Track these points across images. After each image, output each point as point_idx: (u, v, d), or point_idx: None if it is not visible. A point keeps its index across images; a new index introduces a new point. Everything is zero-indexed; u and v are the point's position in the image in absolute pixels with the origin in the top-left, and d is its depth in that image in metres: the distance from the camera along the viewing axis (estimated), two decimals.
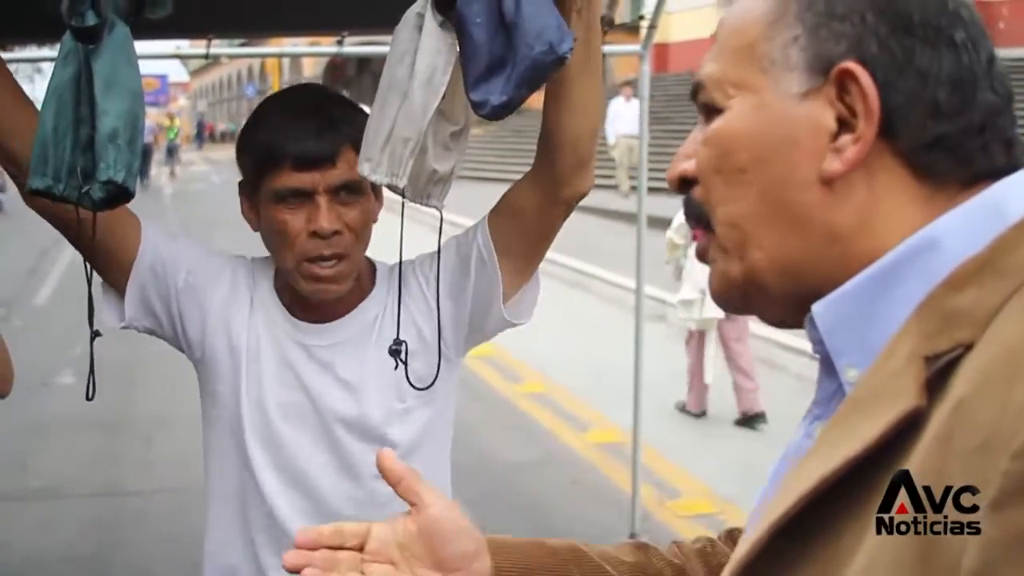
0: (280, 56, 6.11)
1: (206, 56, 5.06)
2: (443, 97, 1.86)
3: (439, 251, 2.16)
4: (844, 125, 0.94)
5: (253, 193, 2.18)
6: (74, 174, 1.84)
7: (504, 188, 2.24)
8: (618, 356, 8.83)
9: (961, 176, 0.93)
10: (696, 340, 8.05)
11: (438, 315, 2.14)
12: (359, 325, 2.24)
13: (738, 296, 1.03)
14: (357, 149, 1.98)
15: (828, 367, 0.97)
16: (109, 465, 7.13)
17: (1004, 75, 0.96)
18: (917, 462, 0.81)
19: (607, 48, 4.19)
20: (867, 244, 0.94)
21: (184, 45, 6.22)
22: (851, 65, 0.93)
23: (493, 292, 2.19)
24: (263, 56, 8.97)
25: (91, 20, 1.77)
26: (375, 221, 2.22)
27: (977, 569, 0.74)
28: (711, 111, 1.03)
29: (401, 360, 2.08)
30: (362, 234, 2.15)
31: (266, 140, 2.13)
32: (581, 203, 2.18)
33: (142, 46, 4.75)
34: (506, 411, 8.61)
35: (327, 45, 5.46)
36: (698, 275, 7.58)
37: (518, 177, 2.17)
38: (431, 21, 1.83)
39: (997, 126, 0.94)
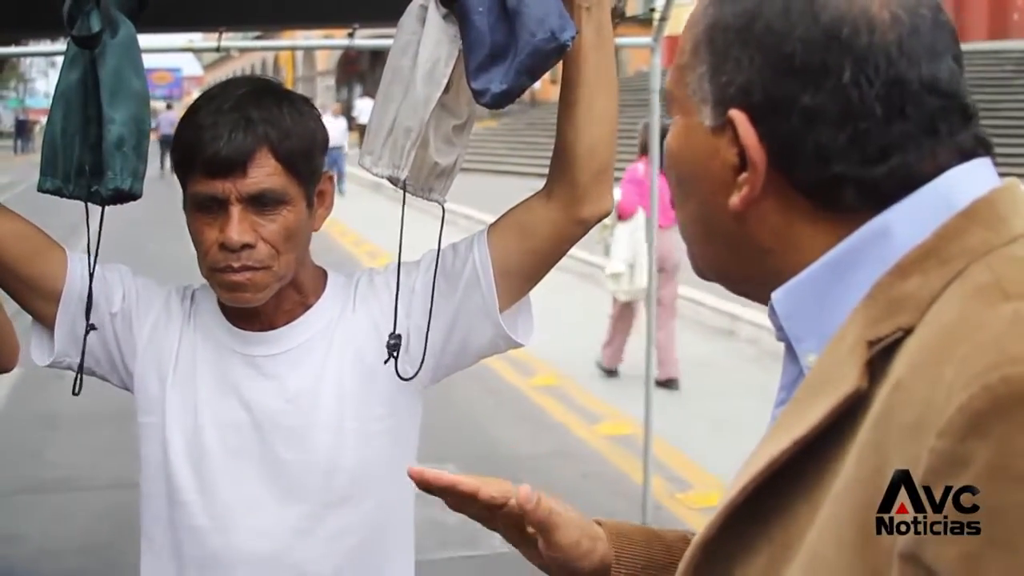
0: (291, 49, 6.11)
1: (217, 49, 5.06)
2: (447, 90, 1.84)
3: (438, 251, 2.01)
4: (744, 162, 0.96)
5: (184, 196, 1.99)
6: (83, 173, 1.85)
7: (517, 181, 2.16)
8: (630, 349, 8.85)
9: (872, 203, 0.93)
10: (620, 309, 8.94)
11: (428, 320, 1.99)
12: (307, 333, 2.05)
13: (706, 279, 1.10)
14: (277, 152, 1.89)
15: (791, 353, 1.00)
16: (123, 456, 7.07)
17: (932, 86, 0.93)
18: (861, 441, 0.84)
19: (619, 40, 4.18)
20: (795, 257, 0.97)
21: (197, 39, 6.21)
22: (734, 114, 0.96)
23: (484, 312, 2.00)
24: (273, 49, 9.01)
25: (95, 26, 1.77)
26: (315, 229, 2.05)
27: (907, 548, 0.77)
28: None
29: (394, 356, 1.97)
30: (284, 246, 1.93)
31: (183, 142, 1.94)
32: None
33: (154, 39, 4.76)
34: (518, 404, 8.60)
35: (340, 38, 5.45)
36: (624, 250, 8.29)
37: (532, 170, 2.07)
38: (434, 13, 1.83)
39: (912, 150, 0.93)
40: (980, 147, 0.95)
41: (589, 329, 10.65)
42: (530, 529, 1.38)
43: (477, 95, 1.79)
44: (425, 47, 1.83)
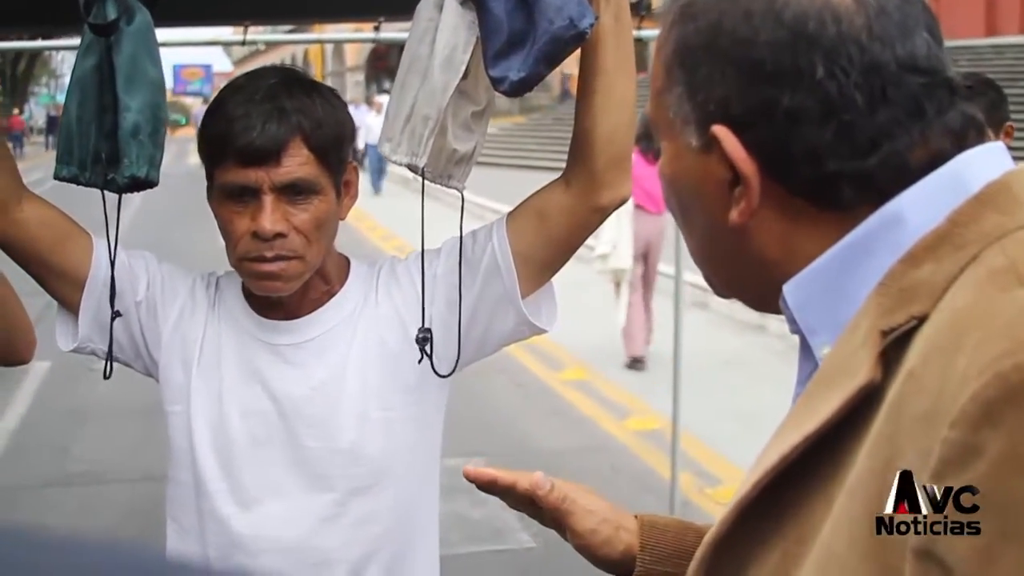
0: (316, 43, 6.11)
1: (243, 43, 5.05)
2: (465, 77, 1.83)
3: (461, 240, 2.01)
4: (738, 177, 0.94)
5: (209, 186, 2.00)
6: (99, 161, 1.85)
7: (546, 177, 2.10)
8: (659, 342, 8.82)
9: (869, 197, 0.91)
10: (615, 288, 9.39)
11: (459, 306, 1.98)
12: (332, 322, 2.05)
13: (724, 297, 1.09)
14: (310, 142, 1.89)
15: (806, 347, 0.98)
16: (150, 451, 7.11)
17: (910, 65, 0.91)
18: (874, 434, 0.82)
19: (644, 33, 4.15)
20: (799, 265, 0.95)
21: (224, 34, 6.22)
22: (717, 130, 0.94)
23: (506, 299, 1.99)
24: (298, 43, 9.00)
25: (111, 13, 1.77)
26: (342, 218, 2.04)
27: (921, 543, 0.76)
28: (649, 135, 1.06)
29: (427, 353, 1.97)
30: (315, 235, 1.94)
31: (214, 131, 1.93)
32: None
33: (180, 33, 4.74)
34: (547, 398, 8.58)
35: (368, 32, 5.43)
36: (609, 231, 8.64)
37: (561, 165, 1.99)
38: None
39: (901, 136, 0.91)
40: (971, 127, 0.92)
41: (619, 323, 10.67)
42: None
43: (495, 83, 1.77)
44: (443, 34, 1.81)
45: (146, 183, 1.88)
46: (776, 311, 1.01)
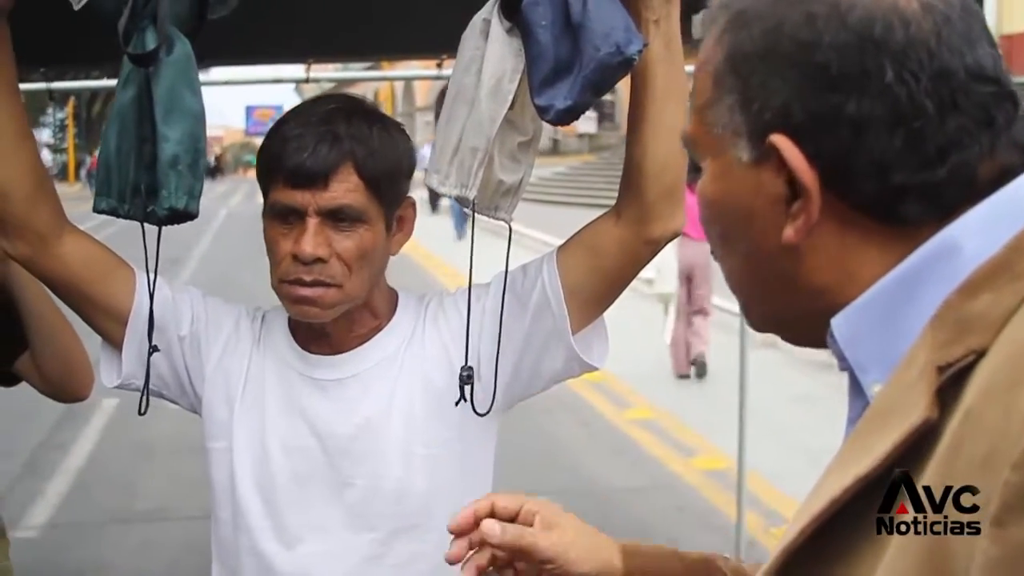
0: (382, 80, 6.11)
1: (306, 80, 5.08)
2: (511, 106, 1.79)
3: (506, 274, 1.95)
4: (795, 190, 0.88)
5: (264, 207, 1.97)
6: (138, 193, 1.83)
7: None
8: (725, 381, 8.73)
9: (935, 213, 0.86)
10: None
11: (498, 344, 1.93)
12: (377, 357, 2.00)
13: (761, 331, 1.04)
14: (361, 170, 1.87)
15: (855, 385, 0.91)
16: None
17: (978, 73, 0.86)
18: (929, 475, 0.76)
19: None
20: (854, 290, 0.89)
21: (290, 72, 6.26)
22: (776, 139, 0.88)
23: (556, 335, 1.93)
24: (360, 80, 9.04)
25: (151, 42, 1.75)
26: (393, 253, 2.01)
27: None
28: (697, 167, 1.00)
29: (464, 395, 1.91)
30: (357, 265, 1.90)
31: (268, 151, 1.92)
32: None
33: (241, 72, 4.79)
34: (612, 436, 8.53)
35: (432, 69, 5.43)
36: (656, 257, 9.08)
37: None
38: (497, 27, 1.78)
39: (970, 146, 0.85)
40: None
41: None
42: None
43: (541, 112, 1.73)
44: (489, 62, 1.77)
45: (185, 215, 1.86)
46: (817, 345, 0.95)
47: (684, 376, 9.91)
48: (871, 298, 0.88)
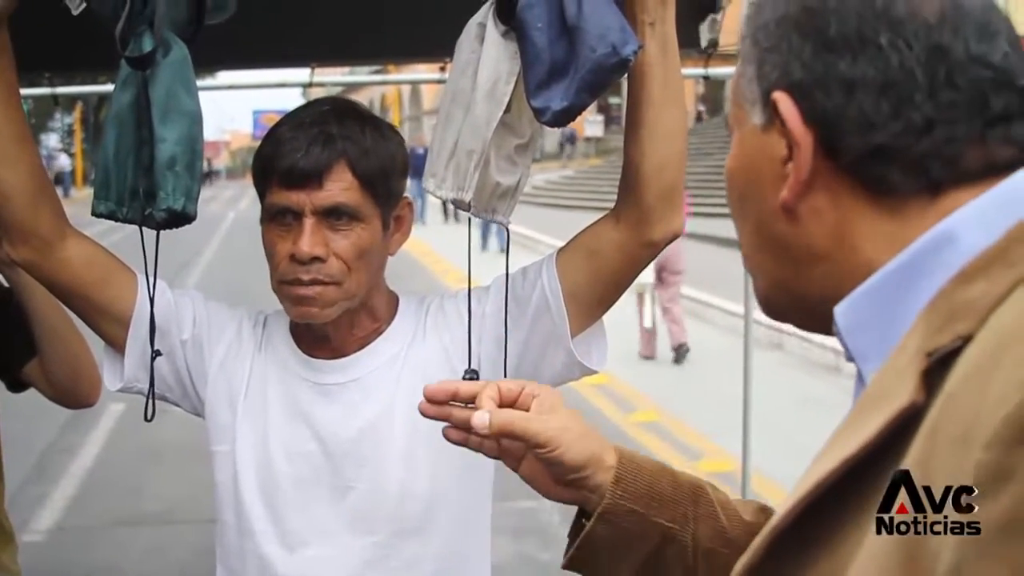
0: (384, 83, 6.15)
1: (310, 84, 5.09)
2: (508, 109, 1.80)
3: (507, 277, 1.97)
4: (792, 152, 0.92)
5: (261, 209, 1.99)
6: (136, 196, 1.84)
7: None
8: (731, 384, 8.72)
9: (920, 184, 0.88)
10: (638, 299, 10.78)
11: (505, 347, 1.93)
12: (379, 361, 2.01)
13: (771, 312, 1.05)
14: (355, 168, 1.89)
15: (860, 374, 0.93)
16: None
17: (981, 60, 0.88)
18: (911, 457, 0.77)
19: (717, 71, 4.10)
20: (852, 260, 0.92)
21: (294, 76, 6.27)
22: (776, 95, 0.92)
23: (555, 338, 1.94)
24: (365, 84, 9.09)
25: (148, 45, 1.77)
26: (391, 254, 2.03)
27: (950, 567, 0.70)
28: None
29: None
30: (355, 264, 1.92)
31: (263, 154, 1.94)
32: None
33: (244, 76, 4.79)
34: (618, 440, 8.36)
35: (435, 73, 5.44)
36: None
37: None
38: (493, 31, 1.79)
39: (958, 124, 0.87)
40: None
41: (691, 364, 10.60)
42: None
43: (537, 114, 1.74)
44: (485, 66, 1.79)
45: (183, 217, 1.87)
46: (823, 331, 0.97)
47: (648, 358, 10.93)
48: (871, 287, 0.89)
